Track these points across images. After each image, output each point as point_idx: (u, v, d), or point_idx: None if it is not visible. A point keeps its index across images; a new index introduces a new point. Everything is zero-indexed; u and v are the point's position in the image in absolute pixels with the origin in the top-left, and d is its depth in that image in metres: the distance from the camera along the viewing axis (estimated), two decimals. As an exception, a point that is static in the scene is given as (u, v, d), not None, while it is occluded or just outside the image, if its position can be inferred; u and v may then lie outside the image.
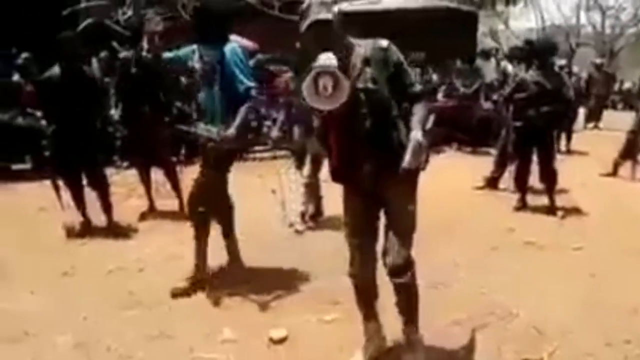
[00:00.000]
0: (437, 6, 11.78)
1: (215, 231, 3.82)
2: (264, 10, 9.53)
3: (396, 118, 2.40)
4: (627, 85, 19.15)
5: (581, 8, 26.31)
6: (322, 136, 2.53)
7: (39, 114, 7.01)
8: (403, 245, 2.51)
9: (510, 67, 8.07)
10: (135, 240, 4.67)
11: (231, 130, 3.28)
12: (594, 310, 3.25)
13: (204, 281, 3.59)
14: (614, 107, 17.20)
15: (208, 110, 3.42)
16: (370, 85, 2.35)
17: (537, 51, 5.50)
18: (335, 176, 2.55)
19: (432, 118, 2.56)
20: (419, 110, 2.40)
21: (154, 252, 4.26)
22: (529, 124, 5.30)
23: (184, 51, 3.55)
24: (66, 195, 4.79)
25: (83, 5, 8.40)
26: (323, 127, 2.48)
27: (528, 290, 3.53)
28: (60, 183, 4.82)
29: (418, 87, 2.48)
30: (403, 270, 2.54)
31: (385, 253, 2.54)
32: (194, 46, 3.46)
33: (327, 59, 2.21)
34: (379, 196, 2.48)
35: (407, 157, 2.28)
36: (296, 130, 5.50)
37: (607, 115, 13.10)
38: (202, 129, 3.39)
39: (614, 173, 7.21)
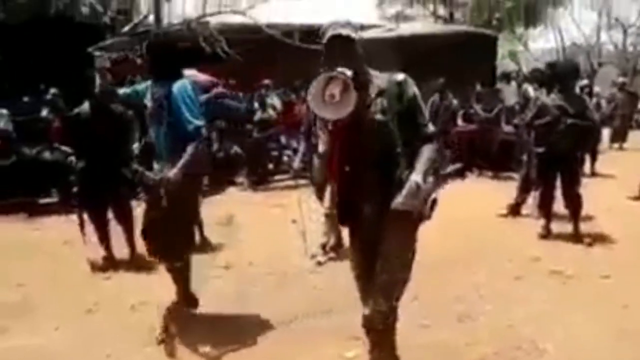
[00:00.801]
0: (455, 31, 11.84)
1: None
2: (284, 40, 9.68)
3: (400, 157, 2.27)
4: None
5: (602, 27, 26.12)
6: (326, 165, 2.39)
7: (65, 148, 7.23)
8: (384, 296, 2.31)
9: (531, 90, 8.02)
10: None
11: (174, 171, 3.13)
12: (625, 344, 3.14)
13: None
14: (639, 126, 16.86)
15: (158, 148, 3.34)
16: (379, 116, 2.25)
17: (560, 75, 5.42)
18: (339, 213, 2.43)
19: (446, 158, 2.45)
20: (427, 152, 2.28)
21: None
22: (552, 149, 5.22)
23: (141, 87, 3.51)
24: (90, 229, 4.85)
25: (108, 42, 8.65)
26: (329, 154, 2.34)
27: (556, 323, 3.44)
28: (85, 217, 4.89)
29: (430, 129, 2.34)
30: (376, 323, 2.33)
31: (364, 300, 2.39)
32: (149, 82, 3.44)
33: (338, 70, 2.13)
34: (376, 235, 2.34)
35: (400, 197, 2.16)
36: (316, 161, 5.52)
37: (632, 135, 12.86)
38: (156, 170, 3.30)
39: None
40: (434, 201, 2.24)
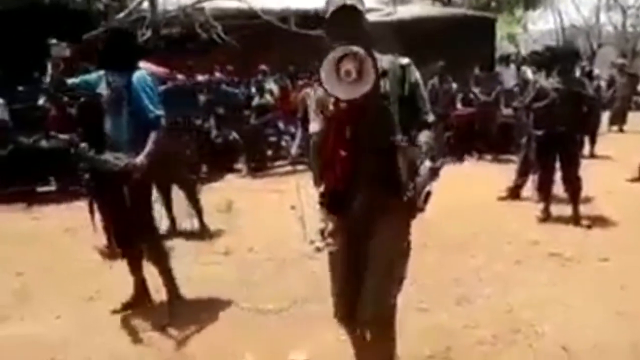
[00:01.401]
0: (454, 14, 11.75)
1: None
2: (280, 26, 9.60)
3: (398, 143, 2.11)
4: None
5: (601, 8, 25.94)
6: (319, 150, 2.21)
7: (62, 136, 7.20)
8: (383, 294, 2.18)
9: (529, 73, 7.96)
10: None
11: (141, 158, 3.18)
12: (624, 326, 3.15)
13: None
14: (638, 108, 16.79)
15: (114, 138, 3.32)
16: (381, 99, 2.11)
17: (559, 58, 5.41)
18: (329, 202, 2.21)
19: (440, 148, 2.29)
20: (426, 138, 2.17)
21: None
22: (551, 131, 5.20)
23: (92, 76, 3.48)
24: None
25: (100, 30, 8.56)
26: (322, 138, 2.17)
27: (555, 306, 3.45)
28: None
29: (431, 117, 2.24)
30: (376, 325, 2.21)
31: (359, 300, 2.21)
32: (101, 72, 3.42)
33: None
34: (368, 228, 2.19)
35: (418, 180, 2.03)
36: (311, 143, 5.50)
37: (632, 117, 12.81)
38: (111, 158, 3.26)
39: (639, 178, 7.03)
40: (429, 193, 2.11)
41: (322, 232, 5.33)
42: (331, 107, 2.08)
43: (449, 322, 3.31)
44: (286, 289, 3.83)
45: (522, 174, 6.16)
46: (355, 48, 1.93)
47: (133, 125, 3.28)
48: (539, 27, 25.66)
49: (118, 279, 4.21)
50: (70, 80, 3.50)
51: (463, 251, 4.51)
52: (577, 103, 5.22)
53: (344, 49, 1.92)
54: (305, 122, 6.67)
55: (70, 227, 5.64)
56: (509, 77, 10.01)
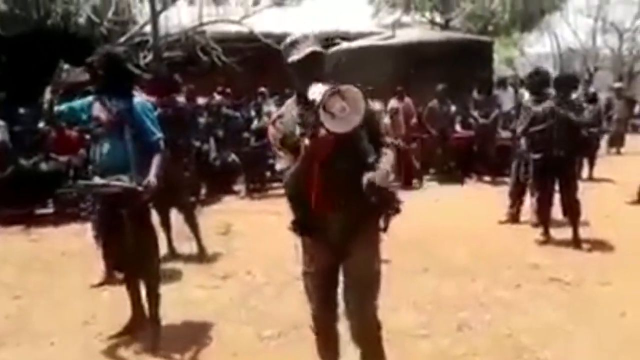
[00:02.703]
0: (452, 38, 11.85)
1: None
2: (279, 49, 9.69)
3: (370, 165, 2.27)
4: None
5: (597, 31, 26.23)
6: (301, 177, 2.27)
7: (61, 159, 7.23)
8: (370, 310, 2.37)
9: (527, 96, 8.03)
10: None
11: (152, 179, 3.22)
12: (628, 352, 3.12)
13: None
14: (635, 130, 16.88)
15: (112, 161, 3.29)
16: (357, 128, 2.19)
17: (558, 84, 5.47)
18: (300, 225, 2.39)
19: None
20: (387, 155, 2.32)
21: (173, 299, 4.23)
22: (549, 155, 5.23)
23: (79, 103, 3.47)
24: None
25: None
26: (301, 170, 2.26)
27: (556, 331, 3.42)
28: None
29: (387, 139, 2.42)
30: (374, 333, 2.38)
31: (346, 315, 2.38)
32: (90, 97, 3.42)
33: (319, 89, 2.10)
34: (343, 249, 2.35)
35: (376, 172, 2.17)
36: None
37: (629, 139, 12.89)
38: (113, 181, 3.23)
39: (639, 201, 7.04)
40: (399, 202, 2.28)
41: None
42: (307, 141, 2.16)
43: (450, 348, 3.27)
44: (285, 314, 3.78)
45: (516, 198, 6.17)
46: (349, 87, 2.07)
47: (137, 148, 3.30)
48: (536, 50, 25.89)
49: (114, 303, 4.18)
50: (56, 108, 3.47)
51: (463, 275, 4.48)
52: (576, 127, 5.26)
53: (337, 89, 2.04)
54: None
55: (67, 251, 5.63)
56: (506, 100, 10.08)
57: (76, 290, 4.51)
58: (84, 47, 8.58)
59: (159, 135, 3.43)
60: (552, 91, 5.71)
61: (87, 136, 7.54)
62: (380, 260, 2.42)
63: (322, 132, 2.10)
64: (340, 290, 2.47)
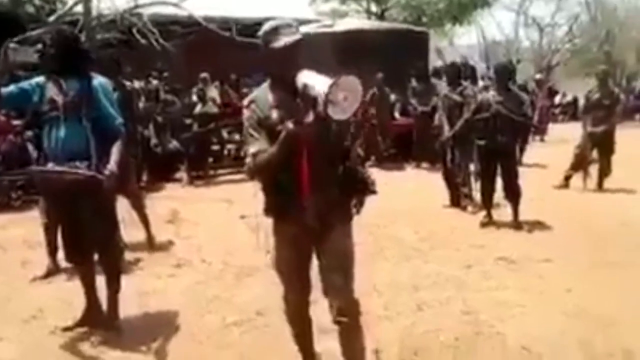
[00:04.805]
0: (392, 27, 12.10)
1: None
2: (222, 34, 9.49)
3: (349, 150, 2.38)
4: (568, 98, 20.14)
5: (519, 25, 27.62)
6: (283, 161, 2.25)
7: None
8: (350, 282, 2.42)
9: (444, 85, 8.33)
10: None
11: (112, 166, 3.06)
12: (575, 324, 3.34)
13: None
14: (555, 120, 18.01)
15: (69, 146, 3.09)
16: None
17: (497, 74, 5.74)
18: (277, 209, 2.39)
19: None
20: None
21: (128, 289, 4.06)
22: (492, 142, 5.48)
23: (28, 83, 3.23)
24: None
25: (34, 32, 8.08)
26: (279, 155, 2.24)
27: (510, 307, 3.61)
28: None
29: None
30: (356, 311, 2.42)
31: (328, 295, 2.42)
32: (40, 78, 3.21)
33: (318, 79, 2.14)
34: (319, 231, 2.38)
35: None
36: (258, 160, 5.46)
37: (550, 127, 13.76)
38: (67, 168, 3.07)
39: (565, 185, 7.53)
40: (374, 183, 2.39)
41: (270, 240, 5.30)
42: (290, 125, 2.18)
43: (412, 327, 3.38)
44: (248, 301, 3.75)
45: (450, 183, 6.41)
46: (350, 77, 2.09)
47: (97, 131, 3.11)
48: (464, 42, 26.88)
49: (61, 296, 3.98)
50: (3, 89, 3.20)
51: (416, 258, 4.63)
52: (515, 114, 5.53)
53: (340, 78, 2.06)
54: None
55: (0, 243, 5.28)
56: (442, 89, 10.41)
57: (17, 283, 4.24)
58: (8, 26, 8.01)
59: (120, 119, 3.23)
60: (465, 82, 6.51)
61: (16, 122, 7.18)
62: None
63: (309, 117, 2.13)
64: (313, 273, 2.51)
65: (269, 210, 2.43)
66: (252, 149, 2.32)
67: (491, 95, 5.57)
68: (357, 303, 2.42)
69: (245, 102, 2.43)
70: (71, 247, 3.28)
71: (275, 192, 2.37)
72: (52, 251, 4.33)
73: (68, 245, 3.31)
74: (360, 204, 2.45)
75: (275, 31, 2.28)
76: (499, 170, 5.57)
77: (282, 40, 2.25)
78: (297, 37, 2.27)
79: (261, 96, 2.37)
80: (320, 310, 2.59)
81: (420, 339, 3.22)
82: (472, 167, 6.24)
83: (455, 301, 3.74)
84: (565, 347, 3.10)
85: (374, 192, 2.42)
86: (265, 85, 2.40)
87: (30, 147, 6.66)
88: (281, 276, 2.56)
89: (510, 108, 5.44)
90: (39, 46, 6.90)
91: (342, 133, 2.35)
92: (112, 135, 3.16)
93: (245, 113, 2.39)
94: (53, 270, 4.36)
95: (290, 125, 2.18)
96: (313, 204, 2.31)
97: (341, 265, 2.40)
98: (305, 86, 2.16)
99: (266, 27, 2.31)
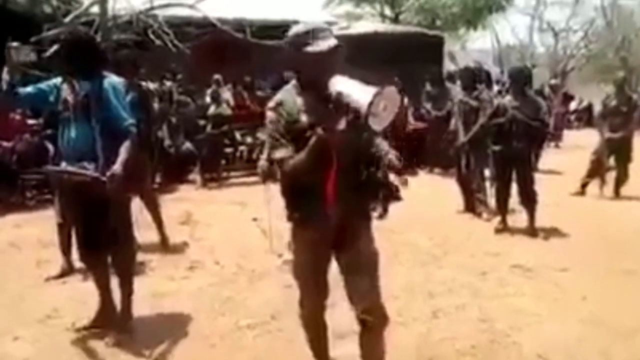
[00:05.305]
0: (407, 31, 12.05)
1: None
2: (236, 36, 9.50)
3: (376, 155, 2.34)
4: (584, 104, 19.90)
5: (534, 30, 27.39)
6: (313, 168, 2.20)
7: (5, 144, 6.80)
8: (377, 287, 2.42)
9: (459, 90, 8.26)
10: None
11: (117, 168, 3.01)
12: (592, 333, 3.29)
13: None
14: (569, 126, 17.82)
15: (79, 147, 3.11)
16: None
17: (513, 78, 5.68)
18: (300, 215, 2.34)
19: None
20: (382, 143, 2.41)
21: (141, 290, 4.05)
22: (508, 148, 5.42)
23: (46, 84, 3.26)
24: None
25: (50, 32, 8.16)
26: (307, 161, 2.19)
27: (525, 316, 3.56)
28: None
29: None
30: (380, 312, 2.40)
31: (352, 299, 2.39)
32: (58, 79, 3.24)
33: (361, 88, 2.10)
34: (341, 237, 2.37)
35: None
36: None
37: (565, 134, 13.61)
38: (77, 168, 3.08)
39: (582, 192, 7.44)
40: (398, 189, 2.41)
41: (289, 244, 5.30)
42: (322, 131, 2.13)
43: (428, 334, 3.34)
44: (261, 304, 3.74)
45: (465, 189, 6.35)
46: (391, 87, 2.09)
47: (106, 132, 3.10)
48: (477, 46, 26.69)
49: (76, 296, 3.99)
50: (20, 90, 3.22)
51: (431, 263, 4.58)
52: (533, 120, 5.47)
53: (388, 90, 2.06)
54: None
55: (15, 242, 5.31)
56: (456, 93, 10.33)
57: (32, 283, 4.26)
58: (25, 26, 8.08)
59: (130, 120, 3.21)
60: (480, 86, 6.40)
61: (31, 121, 7.24)
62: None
63: (341, 125, 2.09)
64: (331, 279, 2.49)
65: (291, 216, 2.38)
66: (278, 154, 2.25)
67: (507, 100, 5.51)
68: (383, 307, 2.40)
69: (271, 104, 2.33)
70: (85, 248, 3.28)
71: (299, 197, 2.31)
72: (66, 251, 4.35)
73: (82, 246, 3.31)
74: (385, 210, 2.45)
75: (309, 35, 2.19)
76: (514, 176, 5.52)
77: (320, 45, 2.16)
78: (335, 42, 2.19)
79: (288, 99, 2.28)
80: (336, 315, 2.57)
81: (436, 346, 3.19)
82: (487, 172, 6.18)
83: (470, 308, 3.70)
84: (581, 356, 3.06)
85: (398, 198, 2.42)
86: (290, 87, 2.33)
87: (50, 145, 6.69)
88: (299, 281, 2.57)
89: (526, 113, 5.39)
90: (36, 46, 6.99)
91: (370, 140, 2.34)
92: (122, 136, 3.14)
93: (271, 115, 2.30)
94: (67, 270, 4.37)
95: (321, 131, 2.13)
96: (337, 210, 2.28)
97: (367, 270, 2.39)
98: (339, 93, 2.11)
99: (298, 29, 2.23)
